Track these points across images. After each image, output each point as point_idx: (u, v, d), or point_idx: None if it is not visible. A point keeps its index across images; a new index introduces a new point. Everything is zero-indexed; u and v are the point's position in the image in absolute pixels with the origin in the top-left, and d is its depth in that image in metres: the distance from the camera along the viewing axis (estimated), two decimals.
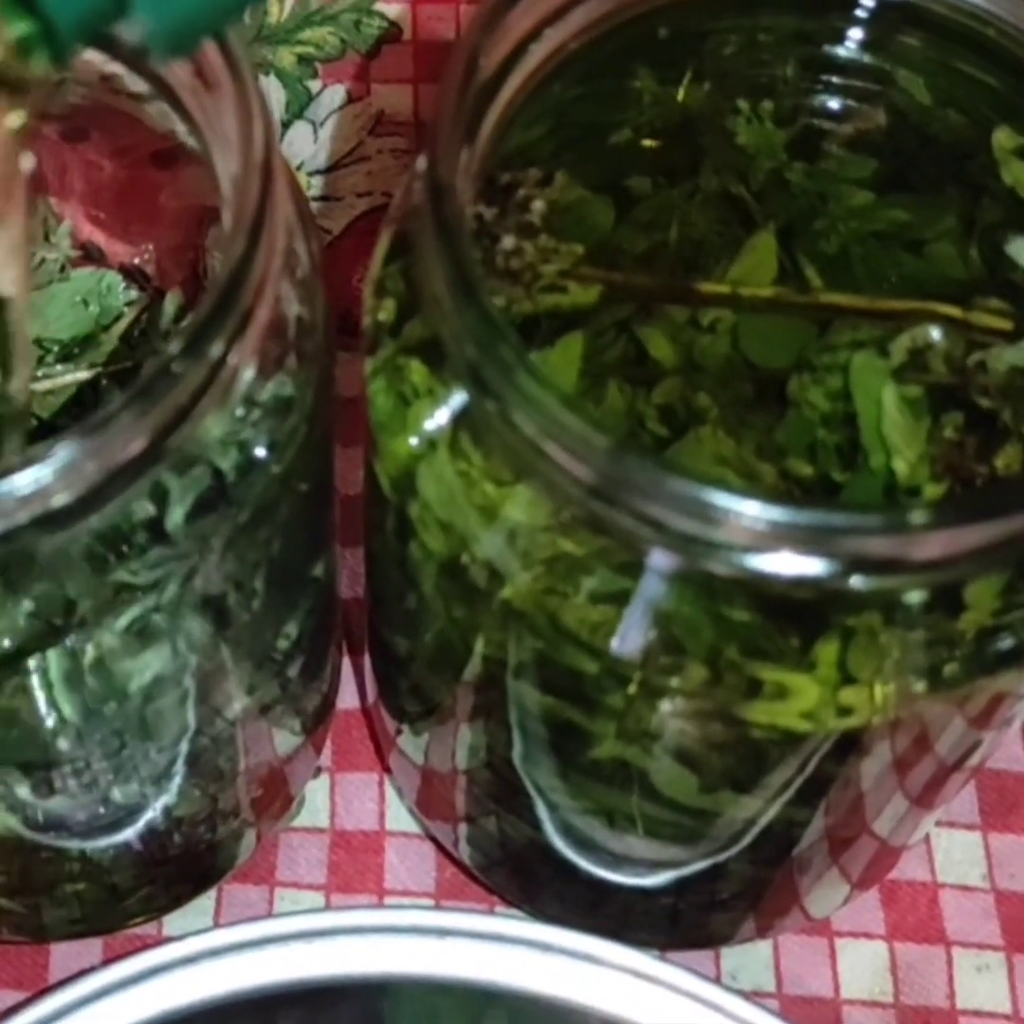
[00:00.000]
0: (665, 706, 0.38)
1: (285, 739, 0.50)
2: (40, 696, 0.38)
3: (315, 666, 0.49)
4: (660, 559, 0.34)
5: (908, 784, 0.46)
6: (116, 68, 0.43)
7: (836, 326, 0.39)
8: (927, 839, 0.55)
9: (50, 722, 0.39)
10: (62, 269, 0.45)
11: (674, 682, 0.36)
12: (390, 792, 0.56)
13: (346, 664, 0.57)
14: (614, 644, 0.36)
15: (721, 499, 0.32)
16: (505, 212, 0.40)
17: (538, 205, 0.40)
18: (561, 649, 0.37)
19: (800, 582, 0.33)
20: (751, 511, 0.32)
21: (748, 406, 0.40)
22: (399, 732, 0.53)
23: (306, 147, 0.66)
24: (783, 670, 0.36)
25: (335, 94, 0.67)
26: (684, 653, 0.36)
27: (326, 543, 0.45)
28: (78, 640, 0.37)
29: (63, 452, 0.33)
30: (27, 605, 0.36)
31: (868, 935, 0.54)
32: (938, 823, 0.55)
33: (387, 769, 0.56)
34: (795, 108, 0.43)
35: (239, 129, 0.35)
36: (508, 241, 0.40)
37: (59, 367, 0.44)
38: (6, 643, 0.37)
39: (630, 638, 0.36)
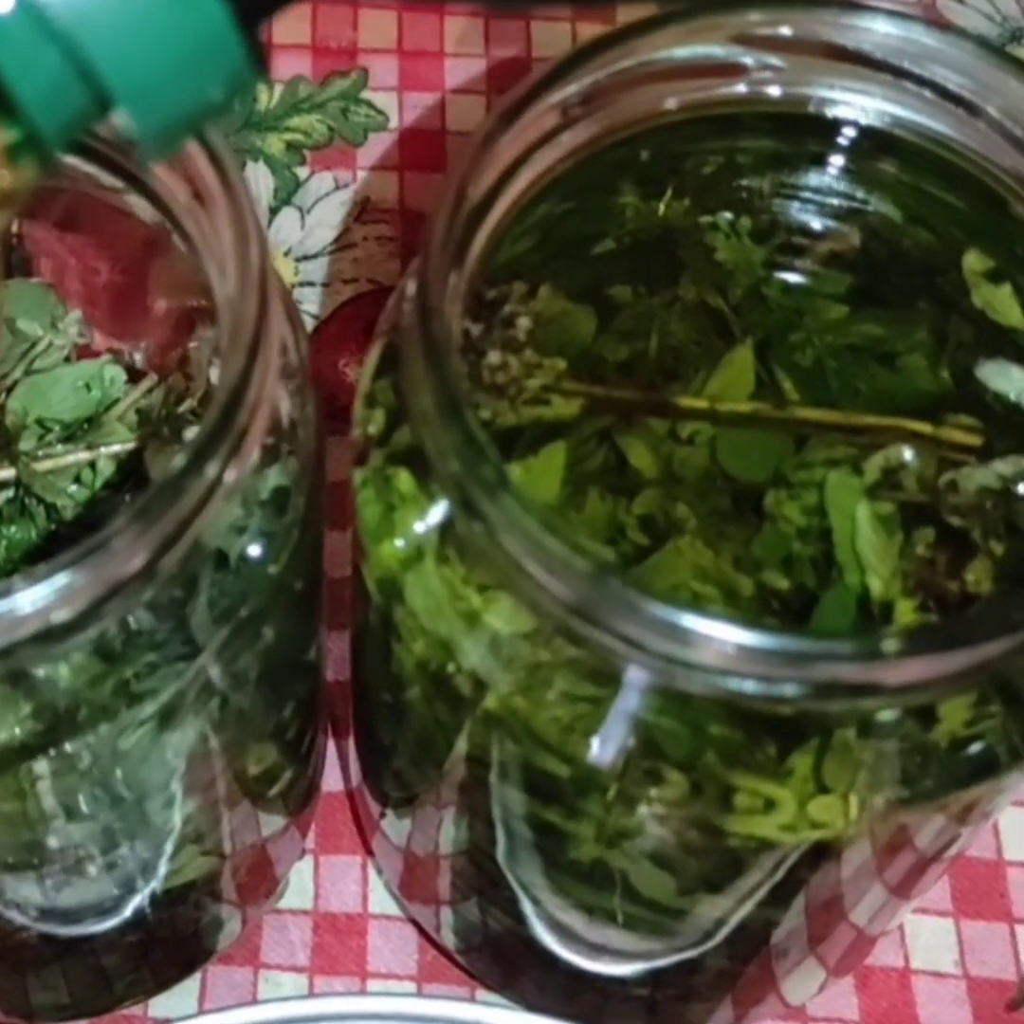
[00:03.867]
0: (642, 812, 0.39)
1: (271, 822, 0.51)
2: (35, 798, 0.39)
3: (301, 751, 0.50)
4: (637, 675, 0.35)
5: (887, 877, 0.46)
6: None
7: (812, 443, 0.40)
8: (901, 926, 0.56)
9: (42, 821, 0.40)
10: (67, 357, 0.46)
11: (651, 791, 0.37)
12: (373, 875, 0.57)
13: (330, 747, 0.57)
14: (592, 753, 0.37)
15: (697, 623, 0.33)
16: (491, 328, 0.41)
17: (523, 321, 0.41)
18: (541, 756, 0.38)
19: (774, 701, 0.35)
20: (726, 635, 0.33)
21: (726, 518, 0.41)
22: (383, 815, 0.53)
23: (293, 233, 0.67)
24: (759, 782, 0.37)
25: (322, 181, 0.68)
26: (660, 764, 0.37)
27: (315, 631, 0.46)
28: (74, 745, 0.38)
29: (64, 574, 0.34)
30: (23, 711, 0.37)
31: (842, 1020, 0.55)
32: (912, 910, 0.56)
33: (370, 852, 0.57)
34: (772, 225, 0.44)
35: (236, 251, 0.36)
36: (494, 356, 0.41)
37: (60, 447, 0.45)
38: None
39: (607, 748, 0.37)
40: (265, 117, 0.69)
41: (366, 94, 0.70)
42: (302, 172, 0.68)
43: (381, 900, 0.57)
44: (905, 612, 0.38)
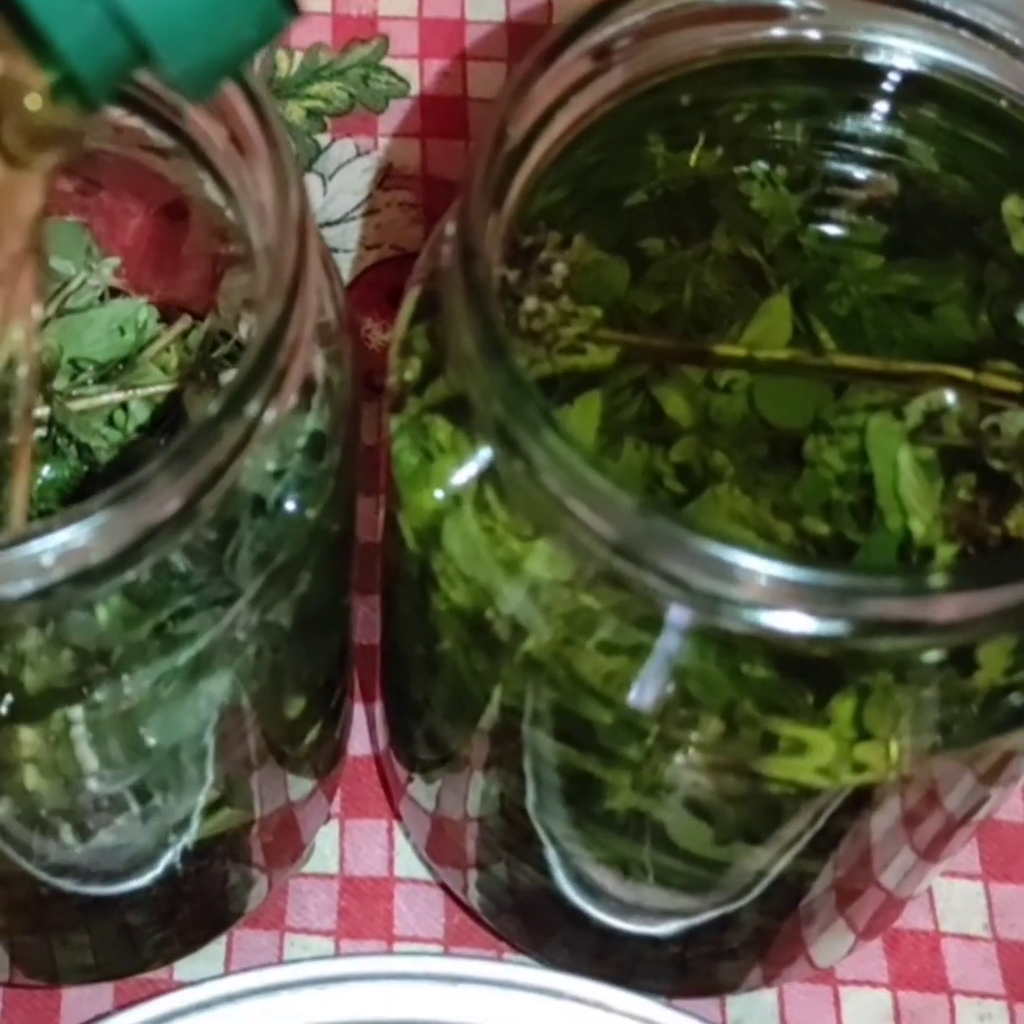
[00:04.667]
0: (681, 759, 0.38)
1: (298, 785, 0.51)
2: (69, 746, 0.38)
3: (330, 705, 0.50)
4: (679, 615, 0.35)
5: (916, 838, 0.46)
6: (134, 122, 0.44)
7: (852, 388, 0.40)
8: (930, 889, 0.56)
9: (76, 770, 0.39)
10: (101, 297, 0.46)
11: (690, 736, 0.37)
12: (399, 838, 0.57)
13: (357, 711, 0.57)
14: (631, 697, 0.37)
15: (743, 559, 0.32)
16: (527, 274, 0.41)
17: (559, 267, 0.41)
18: (579, 701, 0.38)
19: (817, 641, 0.34)
20: (772, 571, 0.32)
21: (764, 465, 0.40)
22: (410, 780, 0.53)
23: (315, 200, 0.67)
24: (799, 726, 0.37)
25: (344, 148, 0.68)
26: (701, 707, 0.37)
27: (347, 588, 0.46)
28: (110, 691, 0.38)
29: (103, 513, 0.34)
30: (62, 656, 0.37)
31: (872, 983, 0.54)
32: (941, 874, 0.55)
33: (397, 815, 0.57)
34: (807, 174, 0.44)
35: (275, 196, 0.36)
36: (530, 302, 0.41)
37: (94, 388, 0.44)
38: (37, 693, 0.37)
39: (647, 692, 0.37)
40: (285, 84, 0.69)
41: (387, 61, 0.70)
42: (323, 139, 0.68)
43: (407, 864, 0.56)
44: (946, 557, 0.38)
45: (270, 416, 0.36)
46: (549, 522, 0.36)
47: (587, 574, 0.36)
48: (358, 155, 0.68)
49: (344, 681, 0.51)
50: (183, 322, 0.45)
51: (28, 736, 0.38)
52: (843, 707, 0.37)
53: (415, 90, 0.69)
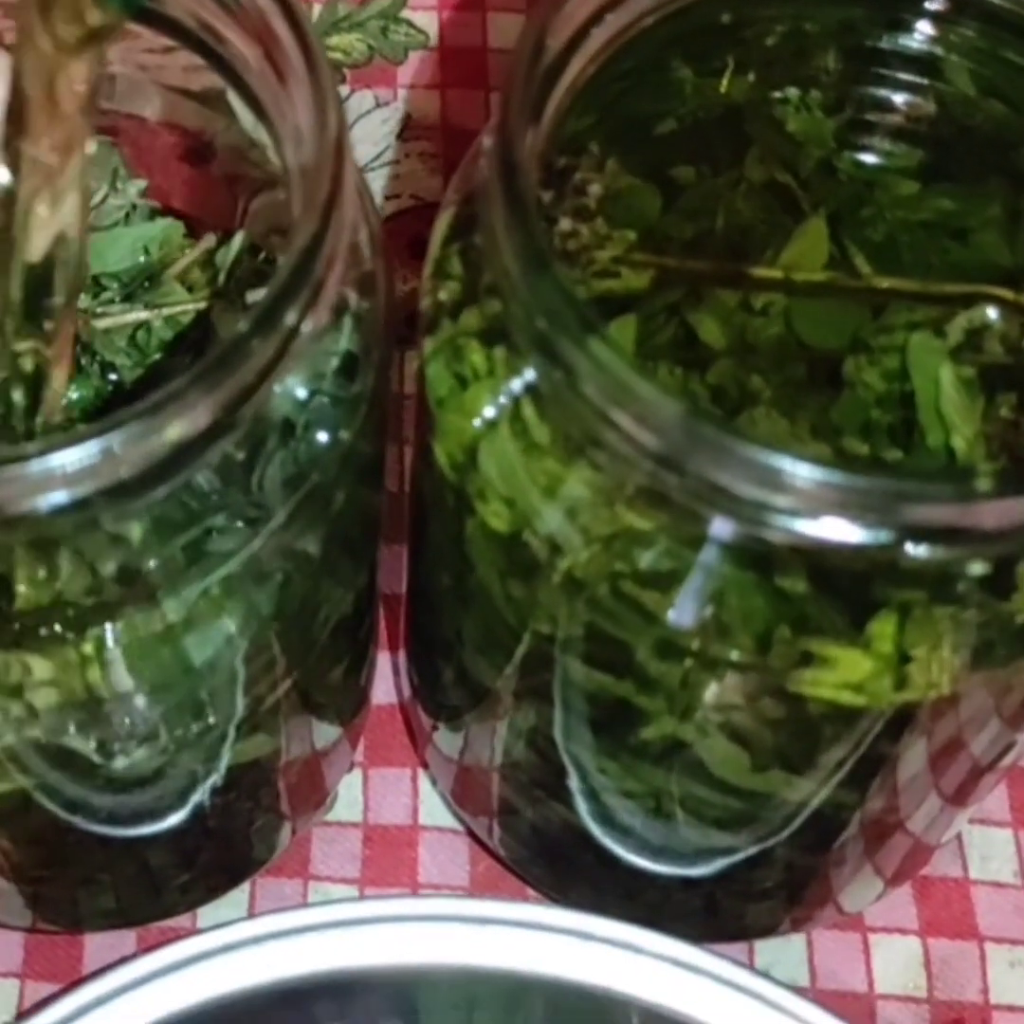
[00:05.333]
0: (719, 680, 0.38)
1: (323, 730, 0.51)
2: (102, 667, 0.38)
3: (356, 647, 0.50)
4: (723, 528, 0.35)
5: (944, 782, 0.46)
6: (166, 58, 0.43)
7: (891, 308, 0.40)
8: (959, 836, 0.55)
9: (108, 693, 0.39)
10: (126, 216, 0.46)
11: (730, 654, 0.37)
12: (423, 787, 0.56)
13: (380, 661, 0.57)
14: (672, 615, 0.37)
15: (790, 464, 0.32)
16: (562, 196, 0.41)
17: (594, 189, 0.41)
18: (618, 622, 0.37)
19: (860, 551, 0.34)
20: (818, 476, 0.32)
21: (801, 387, 0.40)
22: (435, 728, 0.53)
23: None
24: (839, 643, 0.37)
25: (363, 99, 0.68)
26: (741, 624, 0.36)
27: (377, 517, 0.45)
28: (140, 611, 0.37)
29: (135, 424, 0.34)
30: (91, 574, 0.37)
31: (902, 931, 0.54)
32: (970, 820, 0.55)
33: (421, 764, 0.56)
34: (841, 98, 0.44)
35: (314, 114, 0.36)
36: (565, 224, 0.40)
37: (118, 306, 0.44)
38: (66, 612, 0.37)
39: (688, 609, 0.37)
40: None
41: (405, 12, 0.69)
42: (343, 90, 0.68)
43: (431, 812, 0.56)
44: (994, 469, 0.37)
45: (305, 330, 0.36)
46: (590, 438, 0.35)
47: (627, 491, 0.36)
48: (377, 106, 0.67)
49: (371, 618, 0.50)
50: (208, 240, 0.45)
51: (57, 658, 0.38)
52: (883, 626, 0.36)
53: (434, 41, 0.69)
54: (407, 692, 0.55)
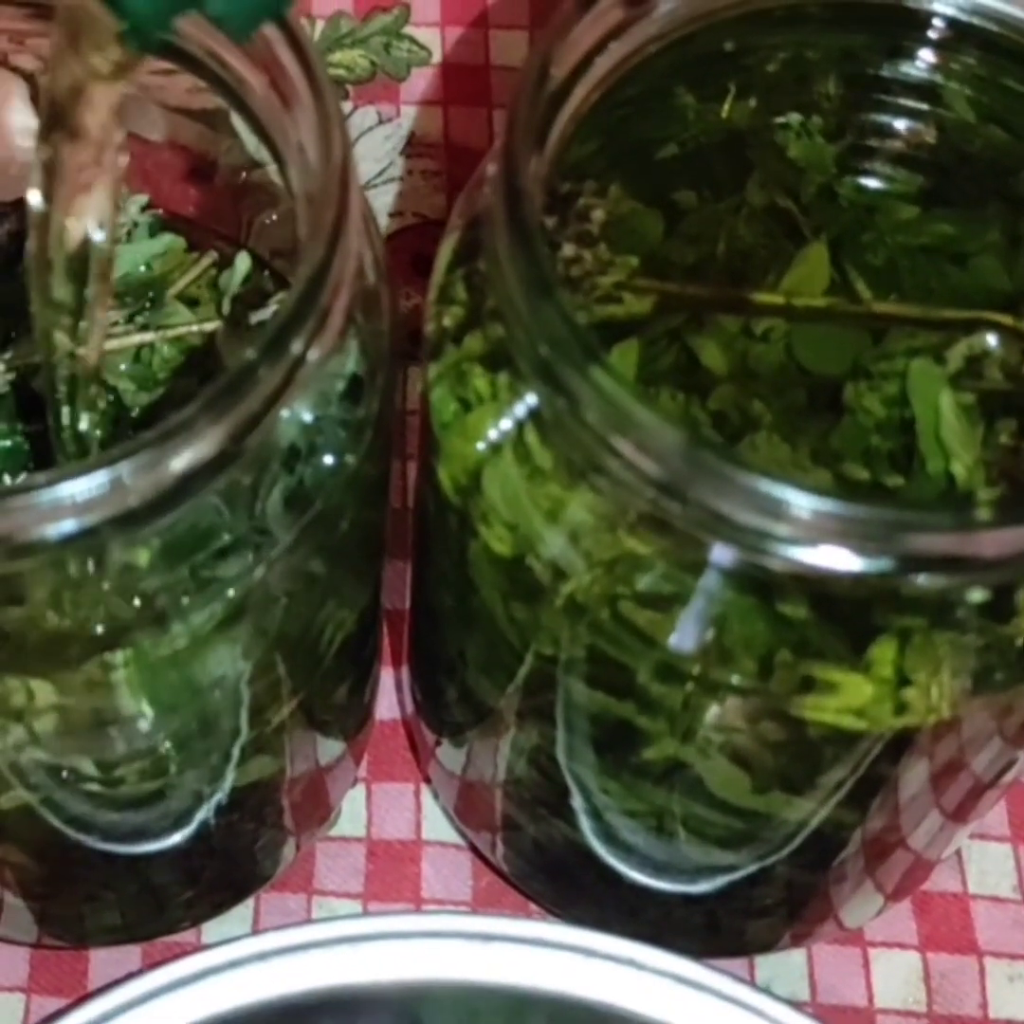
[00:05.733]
0: (720, 703, 0.38)
1: (327, 745, 0.51)
2: (108, 692, 0.38)
3: (361, 665, 0.50)
4: (723, 555, 0.35)
5: (945, 799, 0.46)
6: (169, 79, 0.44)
7: (892, 334, 0.40)
8: (959, 851, 0.55)
9: (115, 716, 0.39)
10: (128, 234, 0.46)
11: (731, 678, 0.37)
12: (426, 802, 0.57)
13: (383, 677, 0.57)
14: (673, 640, 0.37)
15: (790, 493, 0.32)
16: (565, 222, 0.41)
17: (597, 214, 0.41)
18: (620, 646, 0.38)
19: (861, 579, 0.34)
20: (819, 506, 0.32)
21: (802, 413, 0.40)
22: (438, 744, 0.53)
23: None
24: (839, 669, 0.37)
25: (366, 115, 0.68)
26: (742, 650, 0.37)
27: (382, 538, 0.45)
28: (146, 636, 0.38)
29: (142, 454, 0.34)
30: (97, 600, 0.37)
31: (901, 945, 0.54)
32: (970, 836, 0.55)
33: (424, 779, 0.56)
34: (842, 124, 0.44)
35: (319, 139, 0.36)
36: (568, 249, 0.41)
37: (121, 328, 0.44)
38: (79, 636, 0.37)
39: (689, 634, 0.37)
40: None
41: (408, 29, 0.70)
42: (345, 106, 0.68)
43: (435, 827, 0.56)
44: (988, 500, 0.38)
45: (312, 357, 0.36)
46: (592, 464, 0.36)
47: (629, 517, 0.36)
48: (380, 123, 0.68)
49: (375, 636, 0.51)
50: (210, 256, 0.45)
51: (62, 683, 0.38)
52: (883, 651, 0.37)
53: (437, 58, 0.69)
54: (410, 708, 0.56)
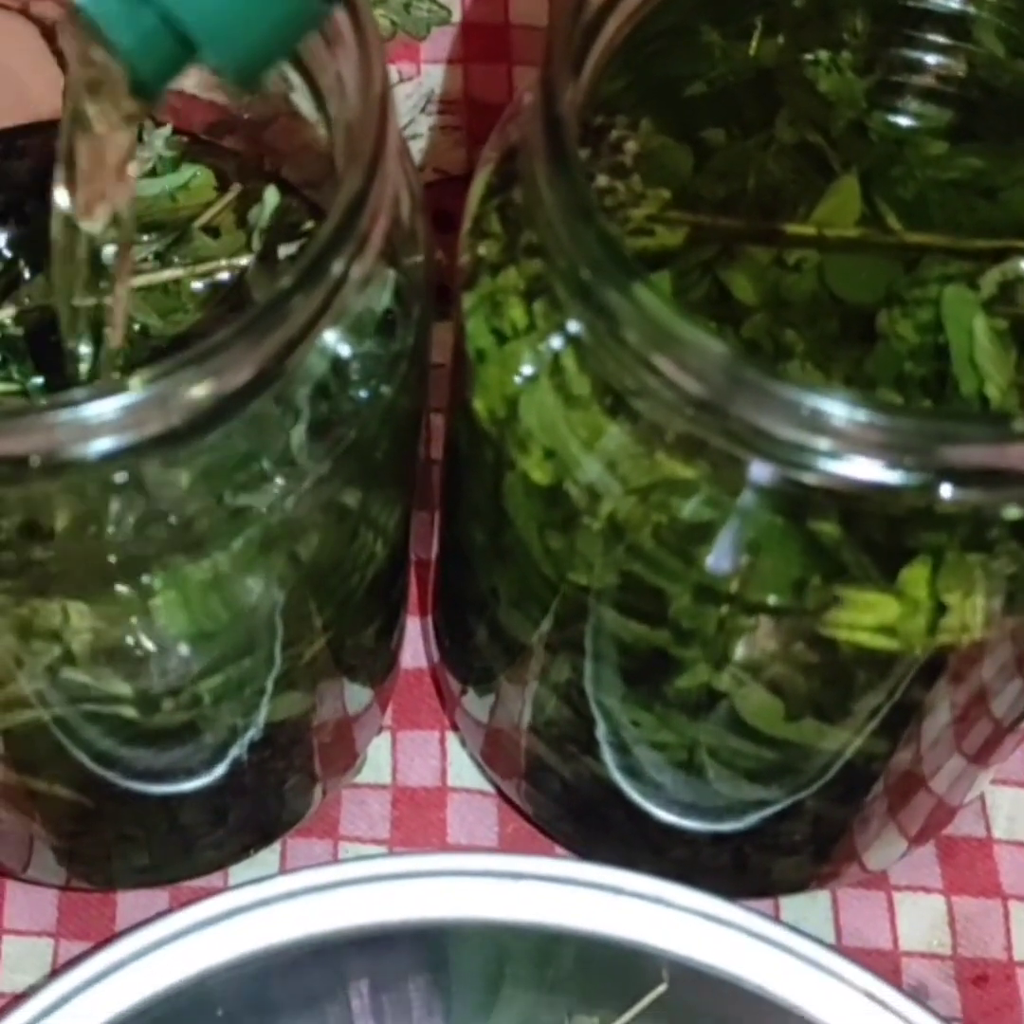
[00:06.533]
0: (756, 625, 0.39)
1: (354, 692, 0.51)
2: (145, 613, 0.39)
3: (387, 613, 0.50)
4: (762, 472, 0.35)
5: (967, 743, 0.47)
6: None
7: (925, 262, 0.40)
8: (982, 796, 0.56)
9: (149, 641, 0.40)
10: (153, 169, 0.46)
11: (767, 599, 0.37)
12: (451, 749, 0.57)
13: (409, 627, 0.57)
14: (709, 561, 0.37)
15: (835, 405, 0.33)
16: (598, 153, 0.41)
17: (630, 146, 0.41)
18: (657, 568, 0.38)
19: (898, 492, 0.34)
20: (862, 417, 0.33)
21: (835, 341, 0.41)
22: (464, 692, 0.54)
23: None
24: (874, 588, 0.37)
25: None
26: (778, 570, 0.37)
27: (413, 480, 0.46)
28: (187, 559, 0.38)
29: (181, 373, 0.34)
30: (140, 522, 0.37)
31: (926, 889, 0.55)
32: (994, 781, 0.56)
33: (450, 726, 0.57)
34: (871, 59, 0.44)
35: (360, 71, 0.37)
36: (602, 180, 0.41)
37: (150, 264, 0.44)
38: (116, 559, 0.37)
39: (726, 554, 0.37)
40: None
41: None
42: None
43: (460, 773, 0.57)
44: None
45: (352, 278, 0.36)
46: (631, 387, 0.36)
47: (667, 438, 0.37)
48: (401, 81, 0.68)
49: (403, 580, 0.51)
50: (235, 190, 0.45)
51: (98, 606, 0.38)
52: (917, 572, 0.37)
53: (457, 17, 0.69)
54: (436, 656, 0.56)
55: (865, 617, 0.37)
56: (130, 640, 0.40)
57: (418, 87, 0.68)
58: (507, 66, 0.68)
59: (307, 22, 0.34)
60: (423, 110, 0.67)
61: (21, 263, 0.46)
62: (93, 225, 0.37)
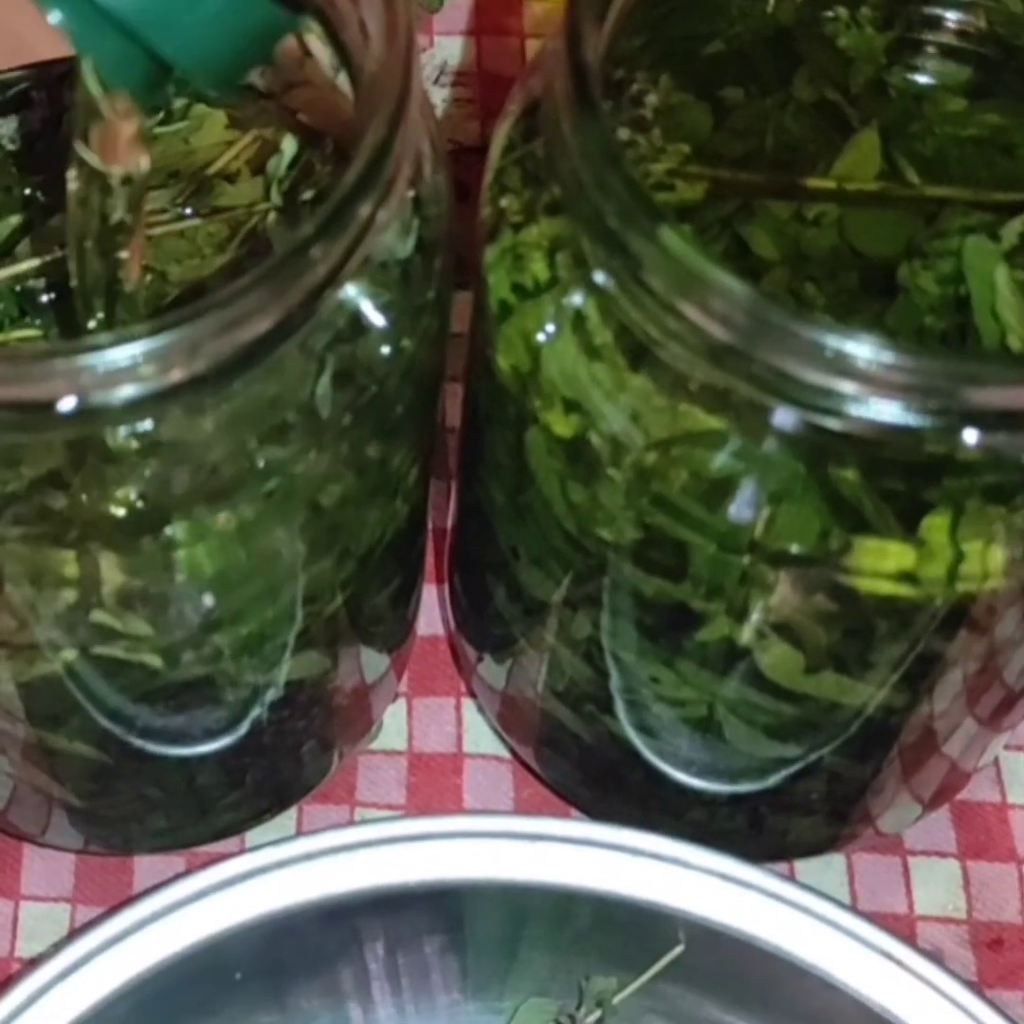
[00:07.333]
0: (777, 576, 0.39)
1: (371, 656, 0.51)
2: (169, 564, 0.39)
3: (405, 576, 0.50)
4: (786, 418, 0.35)
5: (979, 707, 0.47)
6: None
7: (945, 214, 0.40)
8: (997, 763, 0.56)
9: (172, 590, 0.40)
10: (168, 114, 0.46)
11: (789, 548, 0.38)
12: (467, 716, 0.57)
13: (425, 595, 0.57)
14: (732, 510, 0.37)
15: (861, 347, 0.33)
16: (619, 107, 0.41)
17: (651, 99, 0.41)
18: (680, 517, 0.38)
19: (922, 436, 0.34)
20: (887, 359, 0.33)
21: (855, 295, 0.41)
22: (479, 659, 0.54)
23: None
24: (895, 536, 0.37)
25: None
26: (800, 519, 0.37)
27: (433, 436, 0.46)
28: (210, 509, 0.38)
29: (206, 318, 0.34)
30: (162, 469, 0.37)
31: (941, 853, 0.55)
32: (1007, 747, 0.56)
33: (466, 693, 0.57)
34: (890, 16, 0.44)
35: (385, 21, 0.37)
36: (623, 134, 0.41)
37: (169, 213, 0.44)
38: (139, 509, 0.37)
39: (748, 504, 0.37)
40: None
41: None
42: None
43: (476, 739, 0.57)
44: None
45: (375, 227, 0.36)
46: (656, 334, 0.36)
47: (691, 387, 0.37)
48: None
49: (421, 541, 0.51)
50: (250, 135, 0.45)
51: (122, 555, 0.39)
52: (937, 521, 0.37)
53: None
54: (452, 623, 0.56)
55: (885, 565, 0.37)
56: (153, 589, 0.40)
57: (431, 59, 0.68)
58: (520, 39, 0.68)
59: (277, 33, 0.35)
60: (436, 82, 0.67)
61: (31, 212, 0.46)
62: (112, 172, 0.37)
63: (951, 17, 0.44)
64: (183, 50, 0.33)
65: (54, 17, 0.32)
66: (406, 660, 0.56)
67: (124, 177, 0.36)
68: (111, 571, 0.39)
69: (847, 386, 0.34)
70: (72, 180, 0.37)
